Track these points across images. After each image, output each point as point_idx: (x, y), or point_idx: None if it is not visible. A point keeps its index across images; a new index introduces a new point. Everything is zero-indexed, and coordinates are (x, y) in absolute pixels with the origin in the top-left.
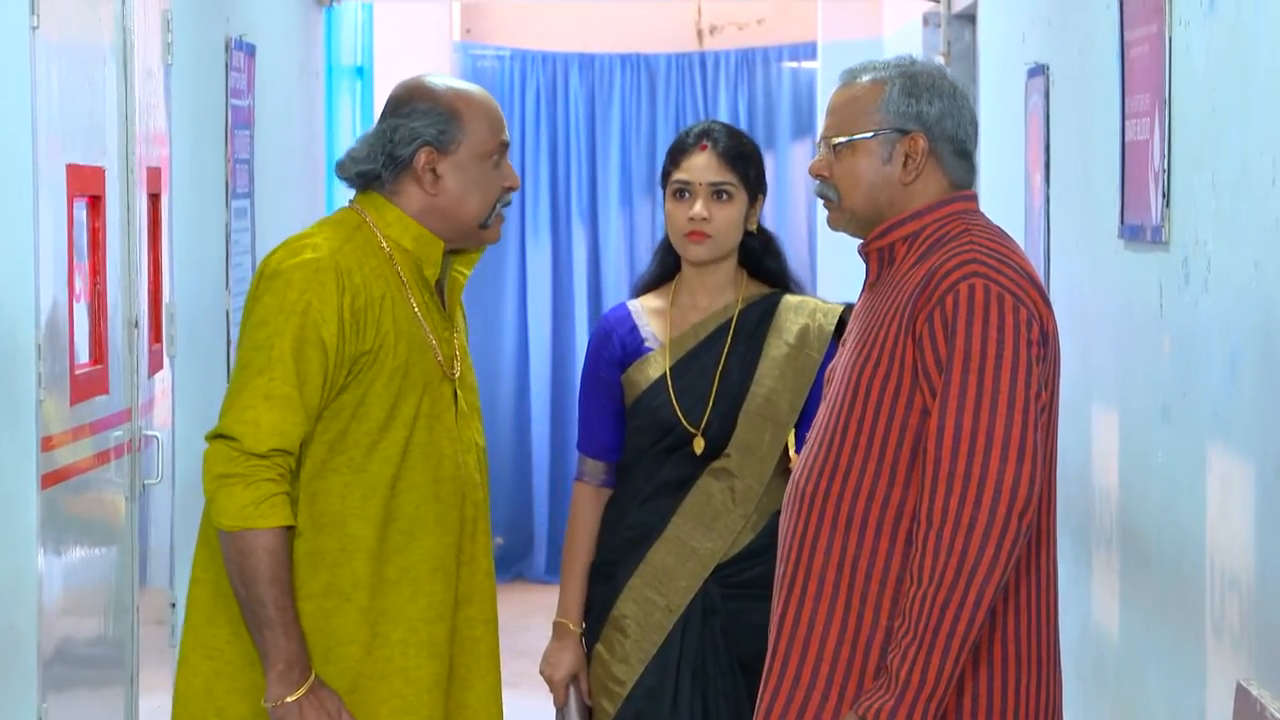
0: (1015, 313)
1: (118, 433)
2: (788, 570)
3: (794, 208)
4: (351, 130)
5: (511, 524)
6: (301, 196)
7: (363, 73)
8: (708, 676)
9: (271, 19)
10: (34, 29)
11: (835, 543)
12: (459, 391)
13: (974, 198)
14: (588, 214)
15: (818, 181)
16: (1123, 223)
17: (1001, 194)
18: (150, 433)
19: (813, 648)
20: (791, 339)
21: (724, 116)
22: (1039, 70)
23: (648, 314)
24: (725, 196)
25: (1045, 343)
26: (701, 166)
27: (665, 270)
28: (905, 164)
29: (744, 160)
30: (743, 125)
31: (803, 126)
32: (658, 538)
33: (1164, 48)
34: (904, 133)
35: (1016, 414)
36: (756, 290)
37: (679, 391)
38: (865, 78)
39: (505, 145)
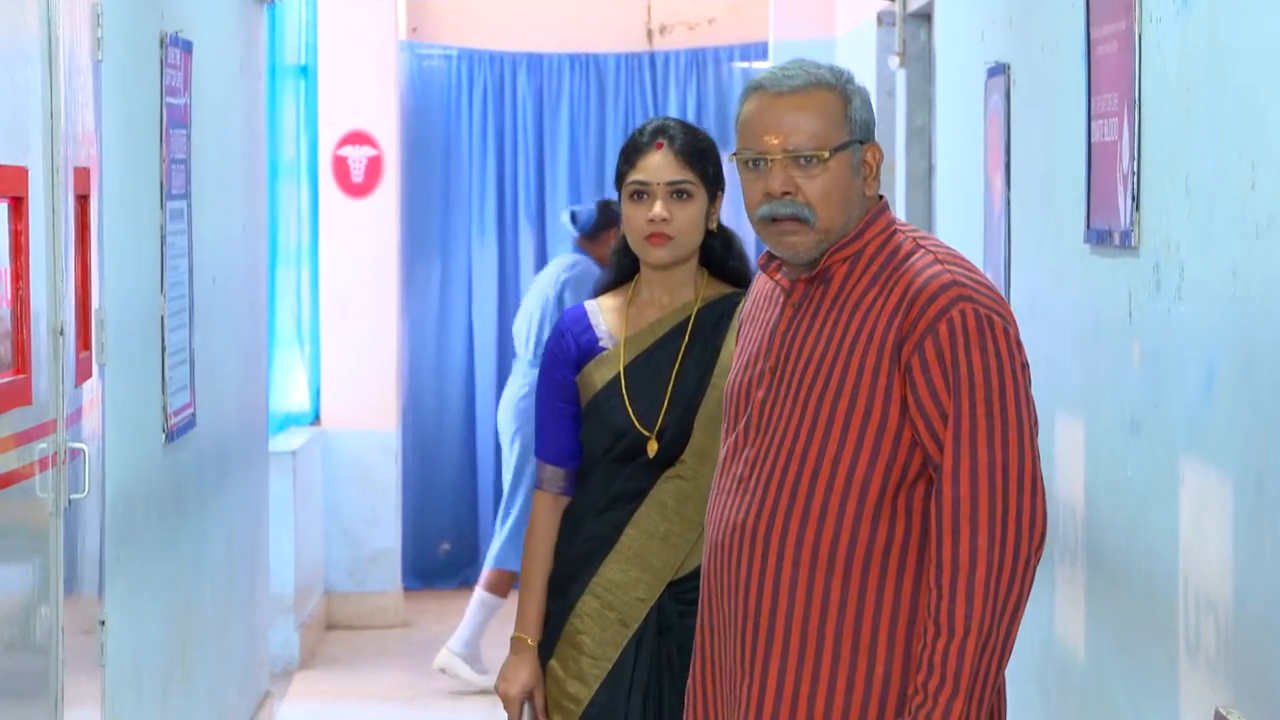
0: (1006, 335)
1: (42, 445)
2: (760, 621)
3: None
4: (295, 130)
5: (457, 530)
6: (242, 198)
7: (306, 72)
8: (662, 697)
9: (210, 15)
10: None
11: (816, 587)
12: None
13: (888, 205)
14: (535, 215)
15: (778, 202)
16: (1089, 227)
17: (960, 198)
18: (77, 445)
19: (805, 700)
20: None
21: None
22: (999, 69)
23: (605, 312)
24: (685, 196)
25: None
26: (658, 166)
27: (623, 273)
28: (866, 175)
29: (701, 157)
30: None
31: None
32: (611, 550)
33: (1133, 45)
34: (864, 143)
35: (1026, 443)
36: (716, 290)
37: (632, 392)
38: (815, 86)
39: None
